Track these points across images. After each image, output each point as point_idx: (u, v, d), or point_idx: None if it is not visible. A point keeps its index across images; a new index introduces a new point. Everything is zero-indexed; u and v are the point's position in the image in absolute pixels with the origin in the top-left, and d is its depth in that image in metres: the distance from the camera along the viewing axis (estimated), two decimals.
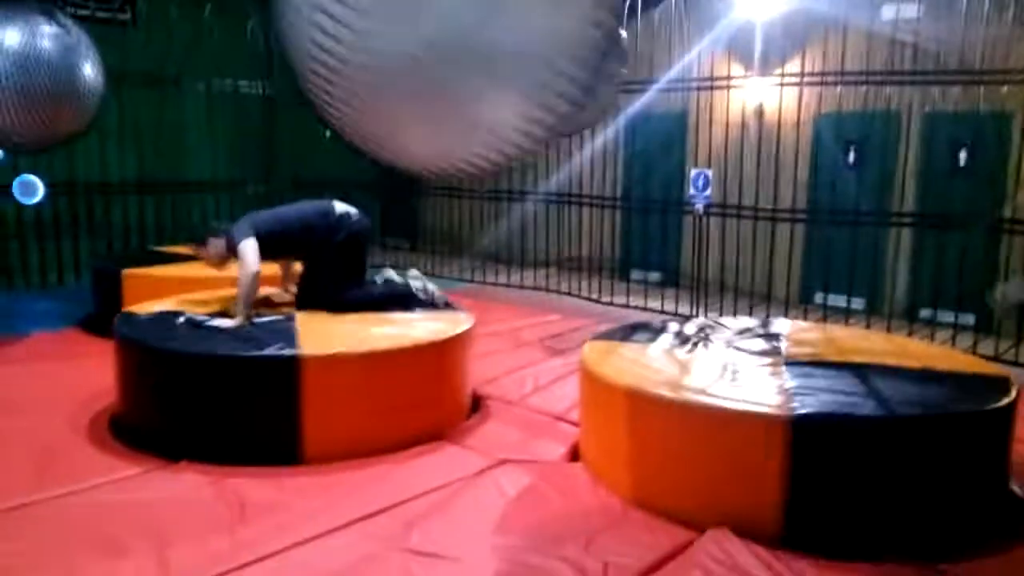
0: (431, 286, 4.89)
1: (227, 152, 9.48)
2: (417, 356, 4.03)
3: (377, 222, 12.07)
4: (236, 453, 3.71)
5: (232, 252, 4.47)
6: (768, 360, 3.76)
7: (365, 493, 3.41)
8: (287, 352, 3.76)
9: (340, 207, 4.77)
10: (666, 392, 3.31)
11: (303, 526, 3.10)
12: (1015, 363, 5.92)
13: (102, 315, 5.77)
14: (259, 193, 9.71)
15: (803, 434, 3.05)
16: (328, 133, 9.29)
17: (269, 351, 3.76)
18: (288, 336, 4.01)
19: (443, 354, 4.18)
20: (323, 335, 4.09)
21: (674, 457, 3.31)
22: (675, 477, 3.32)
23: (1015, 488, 3.53)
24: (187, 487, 3.46)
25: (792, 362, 3.72)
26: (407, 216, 11.79)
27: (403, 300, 4.77)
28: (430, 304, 4.78)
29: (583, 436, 3.93)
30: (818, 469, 3.08)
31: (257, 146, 10.04)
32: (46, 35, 5.53)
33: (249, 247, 4.35)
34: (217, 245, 4.56)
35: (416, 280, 4.91)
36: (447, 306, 4.81)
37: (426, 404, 4.09)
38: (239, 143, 9.53)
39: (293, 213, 4.77)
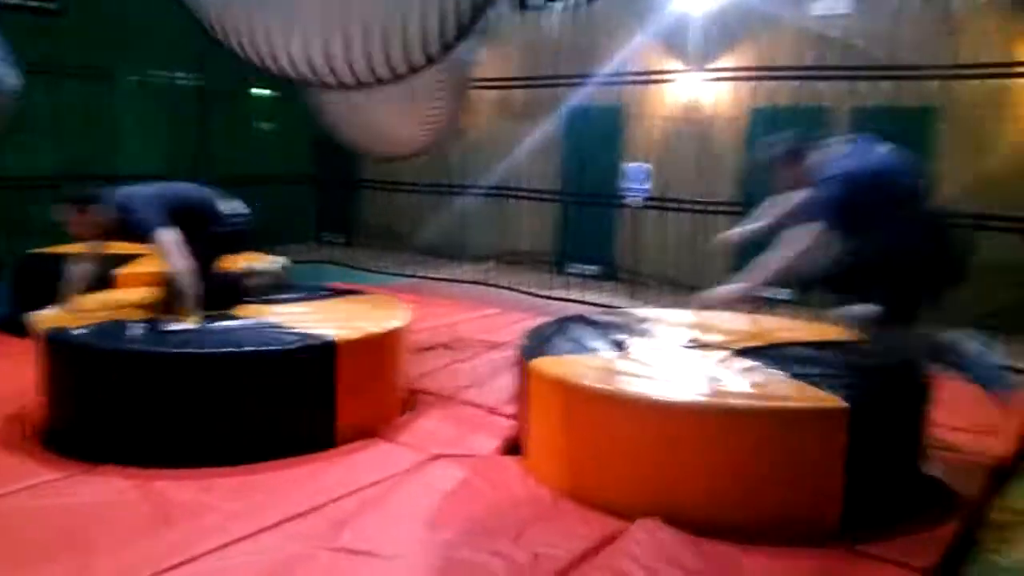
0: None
1: (159, 145, 9.26)
2: (350, 352, 4.00)
3: (312, 218, 11.96)
4: (162, 454, 3.63)
5: (113, 232, 4.09)
6: (706, 351, 3.83)
7: (294, 492, 3.38)
8: (226, 349, 3.72)
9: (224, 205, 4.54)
10: (598, 384, 3.35)
11: (230, 527, 3.05)
12: None
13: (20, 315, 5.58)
14: None
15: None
16: (263, 126, 9.12)
17: (210, 349, 3.70)
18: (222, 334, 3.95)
19: (376, 350, 4.15)
20: None
21: (607, 448, 3.35)
22: (608, 468, 3.36)
23: (927, 469, 3.67)
24: (110, 491, 3.37)
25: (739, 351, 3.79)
26: (343, 211, 11.66)
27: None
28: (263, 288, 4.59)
29: (517, 429, 3.95)
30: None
31: (190, 139, 9.82)
32: None
33: (173, 241, 4.02)
34: (96, 217, 4.06)
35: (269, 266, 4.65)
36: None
37: (359, 401, 4.05)
38: (172, 136, 9.31)
39: (194, 193, 4.50)
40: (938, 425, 4.15)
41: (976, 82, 6.47)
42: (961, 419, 4.45)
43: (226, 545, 2.93)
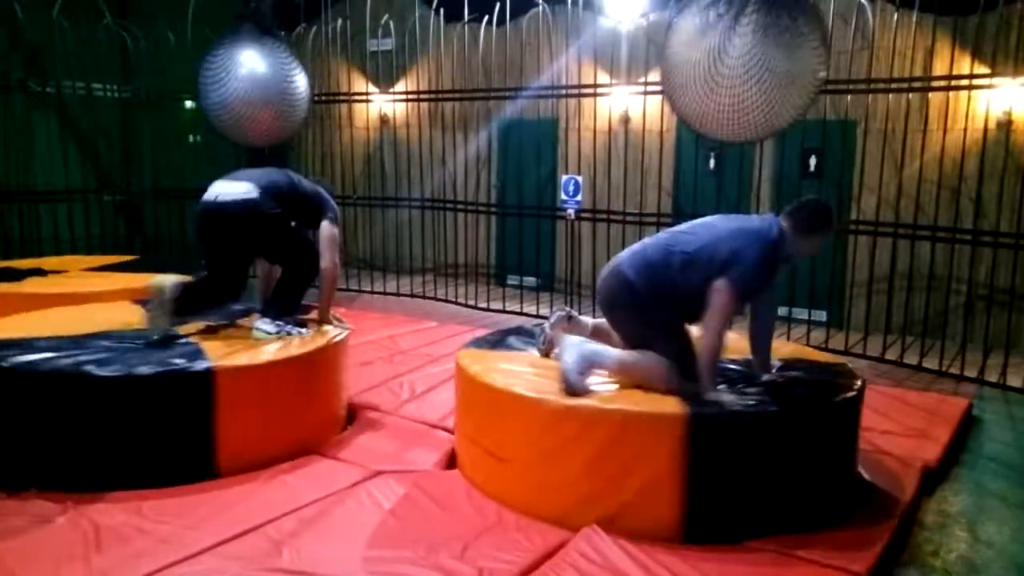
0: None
1: (80, 159, 8.95)
2: (286, 368, 3.91)
3: None
4: (91, 478, 3.49)
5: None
6: None
7: (230, 513, 3.28)
8: (150, 370, 3.58)
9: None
10: (536, 394, 3.35)
11: (163, 552, 2.94)
12: (863, 355, 6.34)
13: None
14: (116, 202, 9.21)
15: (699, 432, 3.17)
16: (195, 137, 8.89)
17: (140, 369, 3.57)
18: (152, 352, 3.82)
19: (313, 366, 4.08)
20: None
21: (546, 458, 3.35)
22: (548, 478, 3.36)
23: (861, 472, 3.77)
24: (34, 517, 3.22)
25: None
26: None
27: None
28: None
29: (458, 442, 3.93)
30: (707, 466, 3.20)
31: (114, 152, 9.53)
32: None
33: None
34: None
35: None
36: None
37: (297, 418, 3.97)
38: (93, 149, 9.01)
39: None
40: (869, 429, 4.29)
41: (892, 96, 6.72)
42: (892, 423, 4.61)
43: (160, 569, 2.83)
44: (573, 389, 3.33)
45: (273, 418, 3.88)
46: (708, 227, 3.55)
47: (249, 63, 6.61)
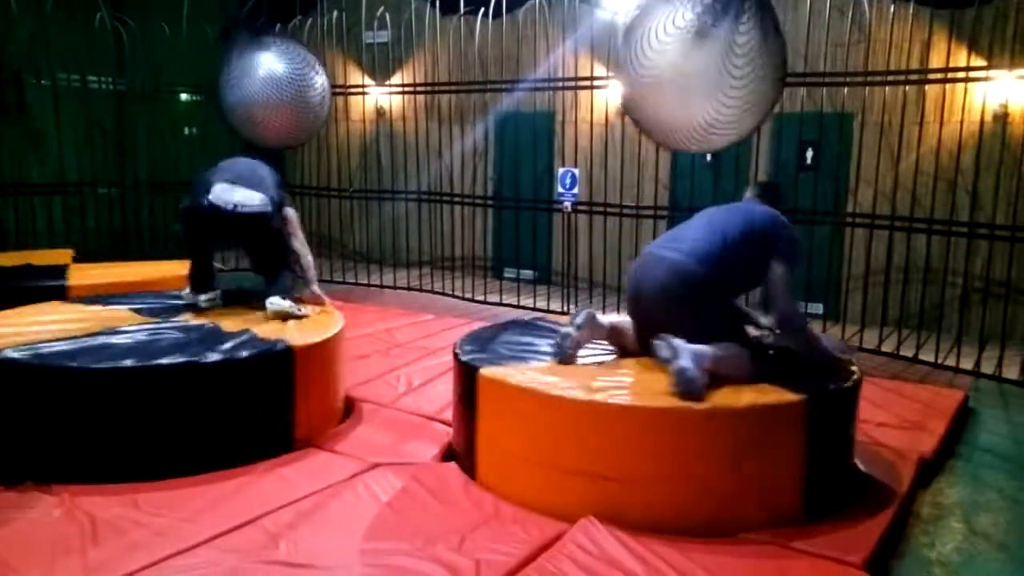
0: None
1: (75, 151, 8.92)
2: (280, 361, 3.91)
3: None
4: (84, 470, 3.49)
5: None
6: None
7: (227, 506, 3.28)
8: (248, 352, 3.70)
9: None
10: (538, 387, 3.35)
11: (159, 544, 2.94)
12: (859, 348, 6.35)
13: None
14: (112, 195, 9.18)
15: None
16: (190, 130, 8.85)
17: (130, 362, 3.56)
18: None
19: (311, 359, 4.07)
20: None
21: (543, 450, 3.35)
22: (544, 471, 3.36)
23: (858, 463, 3.78)
24: (31, 510, 3.22)
25: None
26: None
27: None
28: None
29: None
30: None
31: (108, 145, 9.50)
32: None
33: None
34: None
35: None
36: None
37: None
38: (88, 142, 8.97)
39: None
40: (866, 421, 4.30)
41: (888, 88, 6.72)
42: (888, 415, 4.62)
43: (156, 562, 2.83)
44: (695, 392, 3.16)
45: (330, 392, 4.24)
46: (733, 215, 3.66)
47: (266, 66, 6.49)
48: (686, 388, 3.16)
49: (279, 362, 3.87)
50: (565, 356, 3.65)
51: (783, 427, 3.24)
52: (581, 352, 3.75)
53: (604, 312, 4.38)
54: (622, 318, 3.89)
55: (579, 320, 3.69)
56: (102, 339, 3.92)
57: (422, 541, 3.04)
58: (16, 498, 3.32)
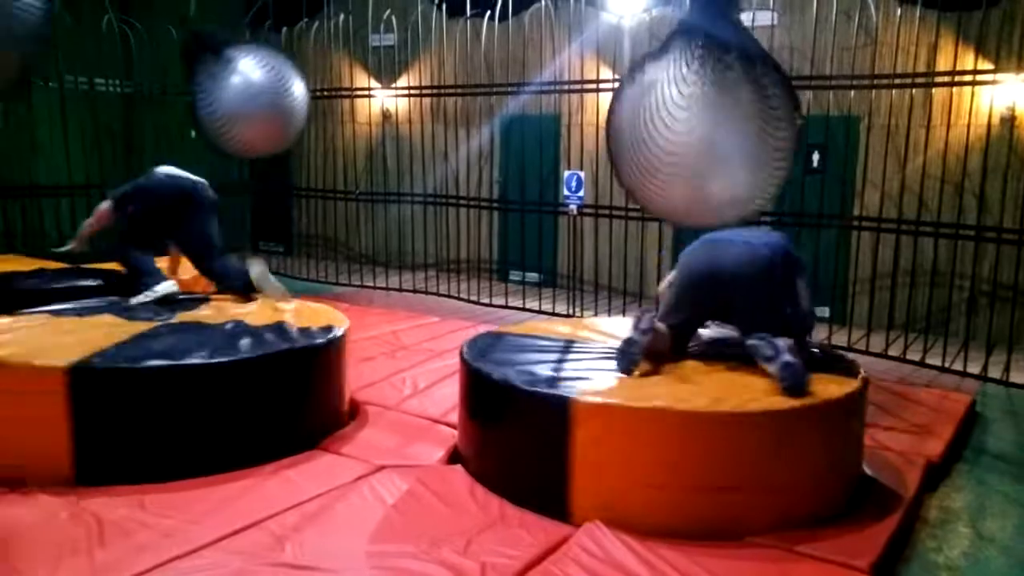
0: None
1: (82, 153, 8.94)
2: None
3: (248, 226, 11.73)
4: (90, 471, 3.50)
5: None
6: None
7: (233, 508, 3.29)
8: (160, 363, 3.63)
9: None
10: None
11: (165, 546, 2.95)
12: (866, 352, 6.33)
13: None
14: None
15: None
16: (196, 134, 8.89)
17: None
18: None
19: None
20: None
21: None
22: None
23: (865, 467, 3.77)
24: (38, 510, 3.23)
25: None
26: (280, 220, 11.48)
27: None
28: None
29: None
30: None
31: (116, 147, 9.52)
32: None
33: None
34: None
35: None
36: None
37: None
38: (95, 144, 8.99)
39: None
40: (873, 425, 4.28)
41: (895, 92, 6.71)
42: (894, 419, 4.61)
43: (162, 564, 2.84)
44: (803, 386, 3.25)
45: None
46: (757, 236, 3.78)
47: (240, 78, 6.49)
48: (794, 383, 3.23)
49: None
50: (633, 363, 3.54)
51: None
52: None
53: (610, 315, 4.38)
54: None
55: (643, 325, 3.60)
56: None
57: (428, 544, 3.04)
58: (22, 499, 3.33)
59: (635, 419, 3.18)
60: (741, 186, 3.94)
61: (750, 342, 3.48)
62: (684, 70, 3.77)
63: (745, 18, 7.23)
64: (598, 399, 3.26)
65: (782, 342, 3.35)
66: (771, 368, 3.32)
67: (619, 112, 4.11)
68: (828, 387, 3.37)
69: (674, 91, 3.78)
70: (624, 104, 4.06)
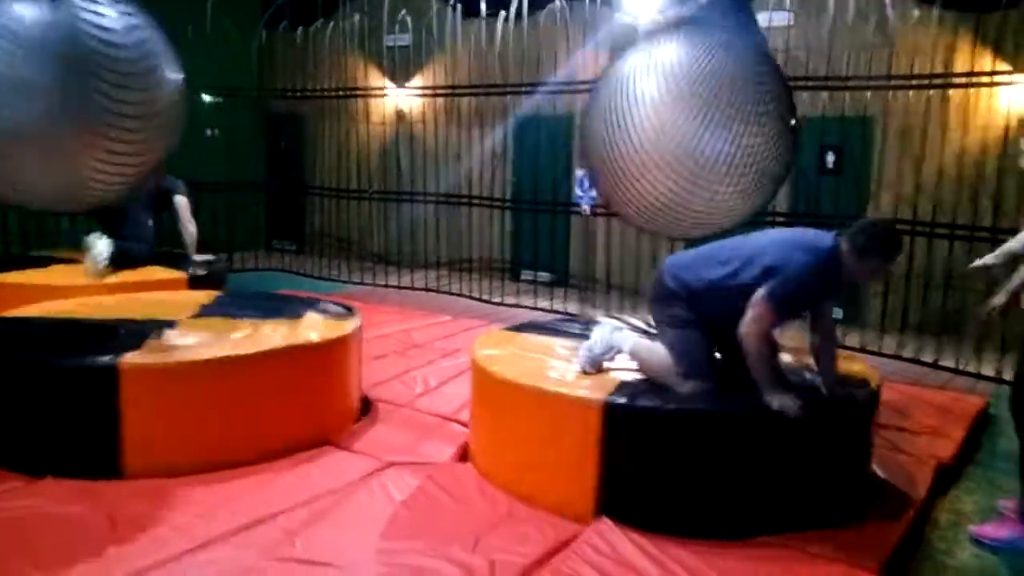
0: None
1: None
2: (299, 358, 3.94)
3: (263, 224, 11.80)
4: (107, 466, 3.53)
5: None
6: None
7: (244, 503, 3.31)
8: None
9: None
10: (553, 388, 3.36)
11: (177, 540, 2.97)
12: (879, 353, 6.30)
13: None
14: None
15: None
16: (212, 130, 8.90)
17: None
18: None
19: (327, 356, 4.10)
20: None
21: (560, 452, 3.36)
22: (561, 472, 3.36)
23: (876, 469, 3.75)
24: (54, 504, 3.27)
25: None
26: (294, 218, 11.54)
27: None
28: None
29: (472, 436, 3.94)
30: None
31: None
32: None
33: None
34: None
35: None
36: None
37: (310, 408, 3.99)
38: None
39: None
40: (884, 426, 4.26)
41: (911, 93, 6.67)
42: (907, 420, 4.59)
43: (174, 557, 2.86)
44: (583, 368, 3.55)
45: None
46: (763, 234, 3.51)
47: None
48: (580, 367, 3.57)
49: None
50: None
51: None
52: None
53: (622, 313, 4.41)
54: None
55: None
56: None
57: (437, 541, 3.05)
58: (37, 491, 3.36)
59: None
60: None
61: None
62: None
63: (762, 18, 7.25)
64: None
65: (599, 331, 3.64)
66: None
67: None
68: None
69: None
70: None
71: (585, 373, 3.54)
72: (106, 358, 3.54)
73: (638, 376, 3.52)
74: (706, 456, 3.19)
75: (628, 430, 3.21)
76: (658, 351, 3.45)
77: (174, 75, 5.20)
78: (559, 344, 4.04)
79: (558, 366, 3.66)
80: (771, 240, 3.36)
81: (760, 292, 3.14)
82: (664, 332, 3.48)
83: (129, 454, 3.54)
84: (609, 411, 3.20)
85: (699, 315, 3.36)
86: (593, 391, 3.31)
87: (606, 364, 3.63)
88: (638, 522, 3.17)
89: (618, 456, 3.22)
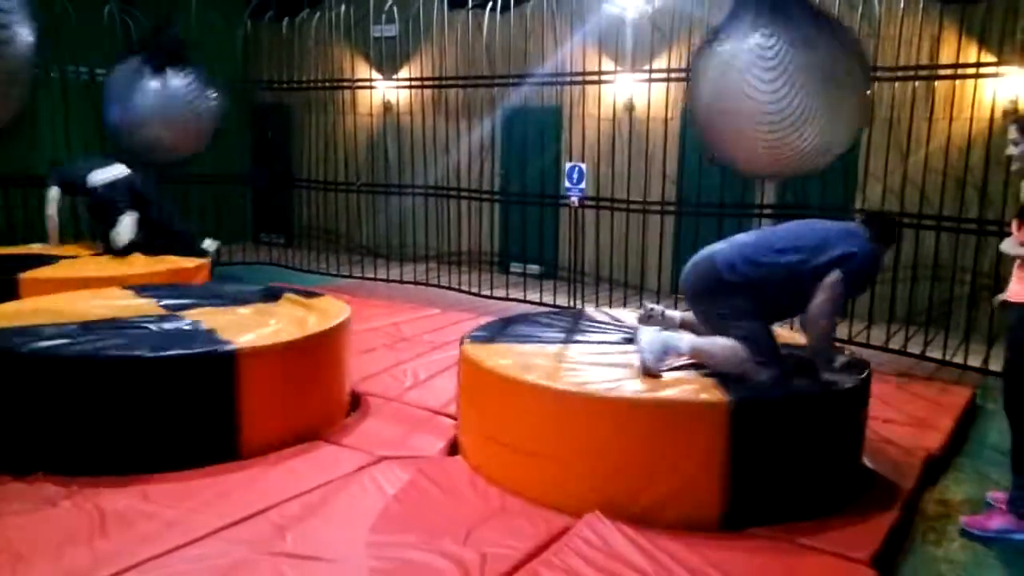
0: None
1: (84, 145, 8.93)
2: (286, 353, 3.92)
3: (250, 218, 11.74)
4: (92, 462, 3.51)
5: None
6: None
7: (234, 498, 3.29)
8: (165, 353, 3.61)
9: None
10: (542, 380, 3.35)
11: (167, 535, 2.96)
12: (867, 345, 6.33)
13: None
14: None
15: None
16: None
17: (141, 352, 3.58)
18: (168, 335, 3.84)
19: (316, 351, 4.08)
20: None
21: (550, 445, 3.36)
22: (551, 465, 3.36)
23: (865, 460, 3.77)
24: (41, 500, 3.24)
25: None
26: (281, 211, 11.48)
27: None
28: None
29: (461, 429, 3.93)
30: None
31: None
32: None
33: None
34: None
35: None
36: None
37: (299, 403, 3.97)
38: (98, 135, 8.98)
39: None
40: (873, 418, 4.28)
41: (897, 84, 6.69)
42: (895, 412, 4.62)
43: (165, 553, 2.85)
44: (649, 371, 3.44)
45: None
46: (810, 227, 3.66)
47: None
48: (643, 367, 3.46)
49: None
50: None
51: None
52: None
53: (611, 306, 4.41)
54: (689, 314, 4.00)
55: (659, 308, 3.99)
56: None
57: (428, 534, 3.05)
58: (26, 489, 3.34)
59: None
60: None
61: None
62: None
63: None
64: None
65: (647, 333, 3.54)
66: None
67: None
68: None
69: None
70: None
71: (651, 375, 3.43)
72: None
73: (698, 370, 3.51)
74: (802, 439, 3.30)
75: (758, 424, 3.21)
76: (724, 344, 3.47)
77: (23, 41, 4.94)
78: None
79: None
80: (827, 229, 3.59)
81: (835, 275, 3.39)
82: (725, 324, 3.52)
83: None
84: (738, 409, 3.17)
85: (762, 302, 3.48)
86: (714, 394, 3.26)
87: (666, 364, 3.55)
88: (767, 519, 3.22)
89: (747, 454, 3.20)
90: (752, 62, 4.57)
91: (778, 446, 3.25)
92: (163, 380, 3.57)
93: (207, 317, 4.26)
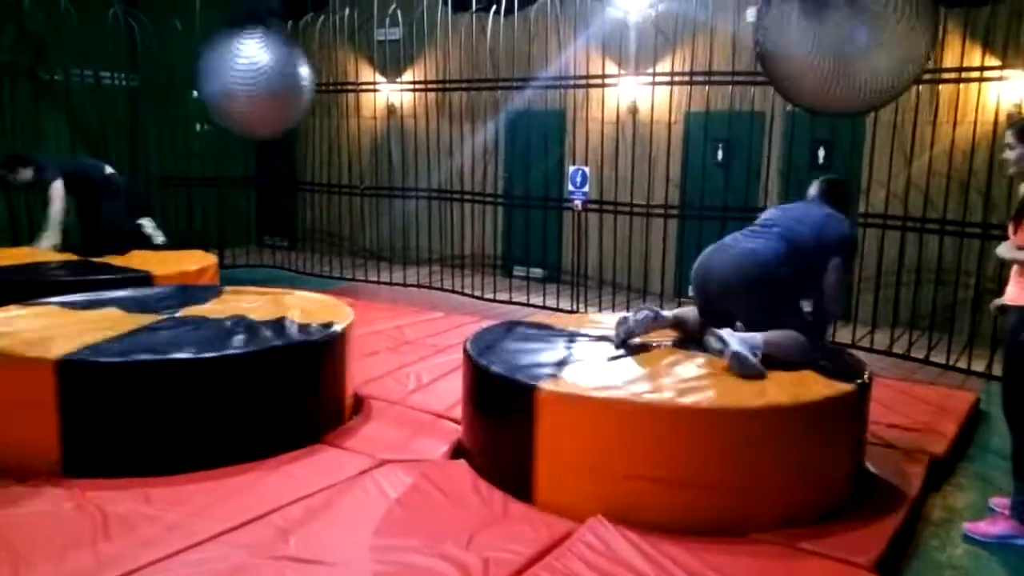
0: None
1: (87, 147, 8.96)
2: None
3: (253, 220, 11.75)
4: (95, 464, 3.51)
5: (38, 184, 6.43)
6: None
7: (237, 501, 3.29)
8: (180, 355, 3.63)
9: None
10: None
11: (170, 539, 2.96)
12: (870, 349, 6.32)
13: None
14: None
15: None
16: (202, 126, 8.88)
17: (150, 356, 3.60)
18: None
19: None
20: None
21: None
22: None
23: (868, 465, 3.76)
24: (43, 503, 3.25)
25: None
26: (285, 214, 11.50)
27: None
28: None
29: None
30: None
31: (120, 140, 9.54)
32: None
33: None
34: (25, 174, 6.45)
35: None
36: None
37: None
38: (100, 137, 9.02)
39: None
40: (876, 422, 4.28)
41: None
42: (898, 416, 4.60)
43: (167, 557, 2.84)
44: (753, 371, 3.42)
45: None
46: (797, 218, 3.83)
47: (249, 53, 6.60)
48: (743, 370, 3.41)
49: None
50: (621, 336, 3.91)
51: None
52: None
53: (614, 310, 4.40)
54: (683, 310, 4.07)
55: (638, 317, 3.93)
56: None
57: (431, 538, 3.04)
58: (29, 492, 3.34)
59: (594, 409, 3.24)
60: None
61: (705, 338, 3.77)
62: None
63: (754, 14, 7.25)
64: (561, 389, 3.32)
65: (729, 334, 3.52)
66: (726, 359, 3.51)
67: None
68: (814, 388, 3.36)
69: None
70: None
71: (748, 377, 3.42)
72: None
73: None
74: None
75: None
76: (792, 336, 3.61)
77: None
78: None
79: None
80: (815, 220, 3.79)
81: (838, 263, 3.70)
82: (784, 319, 3.67)
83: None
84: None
85: (806, 280, 3.72)
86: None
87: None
88: None
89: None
90: None
91: None
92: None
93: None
